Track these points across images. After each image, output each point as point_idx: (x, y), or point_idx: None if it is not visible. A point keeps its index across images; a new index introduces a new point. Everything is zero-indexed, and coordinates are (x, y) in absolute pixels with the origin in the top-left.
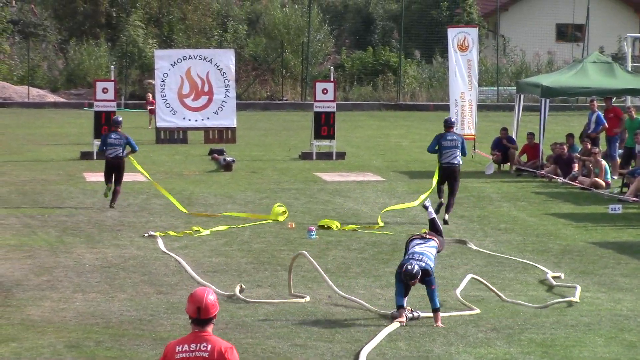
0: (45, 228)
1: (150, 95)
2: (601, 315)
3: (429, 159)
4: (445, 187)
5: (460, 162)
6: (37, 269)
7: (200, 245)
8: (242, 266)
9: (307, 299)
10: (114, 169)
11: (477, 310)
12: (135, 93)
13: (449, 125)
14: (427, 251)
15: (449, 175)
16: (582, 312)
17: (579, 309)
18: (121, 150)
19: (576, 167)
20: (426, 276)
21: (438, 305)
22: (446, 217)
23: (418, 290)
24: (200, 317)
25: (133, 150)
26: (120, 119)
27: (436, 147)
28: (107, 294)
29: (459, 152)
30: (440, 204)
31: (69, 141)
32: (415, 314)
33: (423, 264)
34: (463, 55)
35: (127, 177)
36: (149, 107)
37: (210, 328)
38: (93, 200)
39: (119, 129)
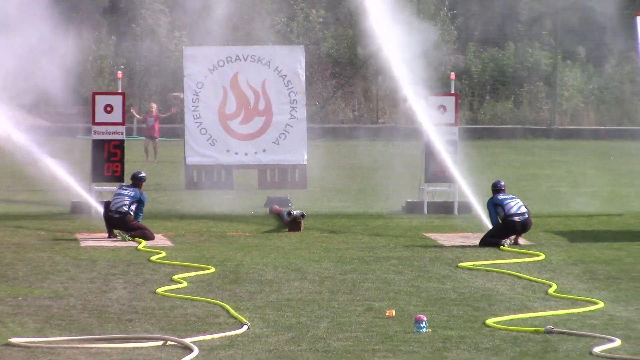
0: (20, 317)
1: (154, 106)
2: None
3: (596, 213)
4: None
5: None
6: None
7: (252, 343)
8: None
9: None
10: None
11: None
12: None
13: (499, 188)
14: None
15: (521, 230)
16: None
17: None
18: (127, 204)
19: None
20: None
21: None
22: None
23: None
24: None
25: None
26: (144, 174)
27: (498, 218)
28: None
29: (521, 202)
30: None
31: (53, 187)
32: None
33: None
34: None
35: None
36: (147, 123)
37: None
38: (90, 276)
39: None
